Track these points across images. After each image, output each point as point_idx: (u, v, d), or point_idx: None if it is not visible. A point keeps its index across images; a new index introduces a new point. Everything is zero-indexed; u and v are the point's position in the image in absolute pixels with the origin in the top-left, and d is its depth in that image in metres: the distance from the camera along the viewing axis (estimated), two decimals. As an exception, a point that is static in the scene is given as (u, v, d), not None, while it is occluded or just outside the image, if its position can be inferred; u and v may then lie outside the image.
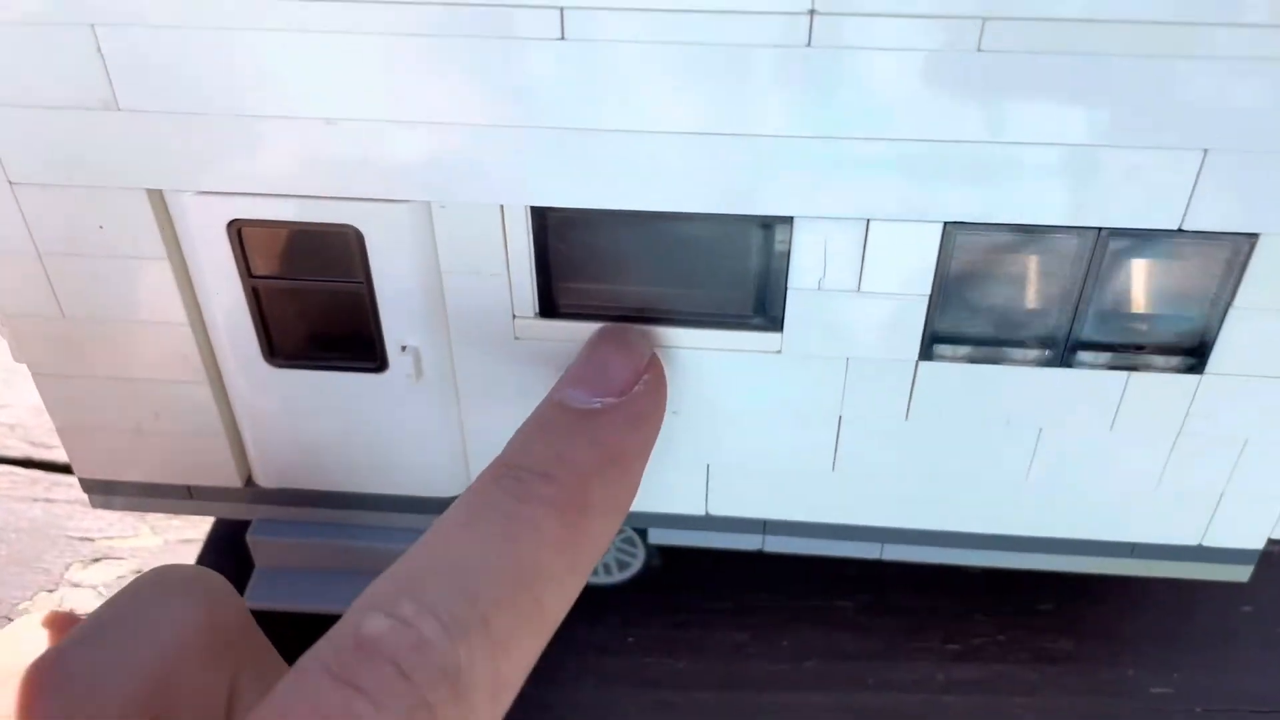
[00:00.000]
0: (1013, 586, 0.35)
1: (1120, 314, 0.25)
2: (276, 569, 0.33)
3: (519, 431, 0.23)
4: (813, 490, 0.29)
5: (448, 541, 0.20)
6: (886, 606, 0.34)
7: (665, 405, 0.25)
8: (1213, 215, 0.23)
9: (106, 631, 0.20)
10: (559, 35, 0.21)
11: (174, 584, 0.21)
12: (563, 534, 0.20)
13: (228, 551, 0.36)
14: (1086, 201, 0.23)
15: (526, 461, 0.22)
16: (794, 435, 0.28)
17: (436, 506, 0.31)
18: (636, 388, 0.24)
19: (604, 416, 0.23)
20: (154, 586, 0.21)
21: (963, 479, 0.28)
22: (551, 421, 0.23)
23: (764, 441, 0.28)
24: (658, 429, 0.25)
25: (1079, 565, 0.30)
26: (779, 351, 0.26)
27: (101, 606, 0.21)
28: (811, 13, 0.21)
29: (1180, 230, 0.23)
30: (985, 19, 0.21)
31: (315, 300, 0.27)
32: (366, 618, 0.18)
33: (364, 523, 0.32)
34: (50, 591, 0.35)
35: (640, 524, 0.31)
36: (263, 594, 0.32)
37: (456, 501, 0.21)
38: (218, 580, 0.22)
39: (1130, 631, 0.34)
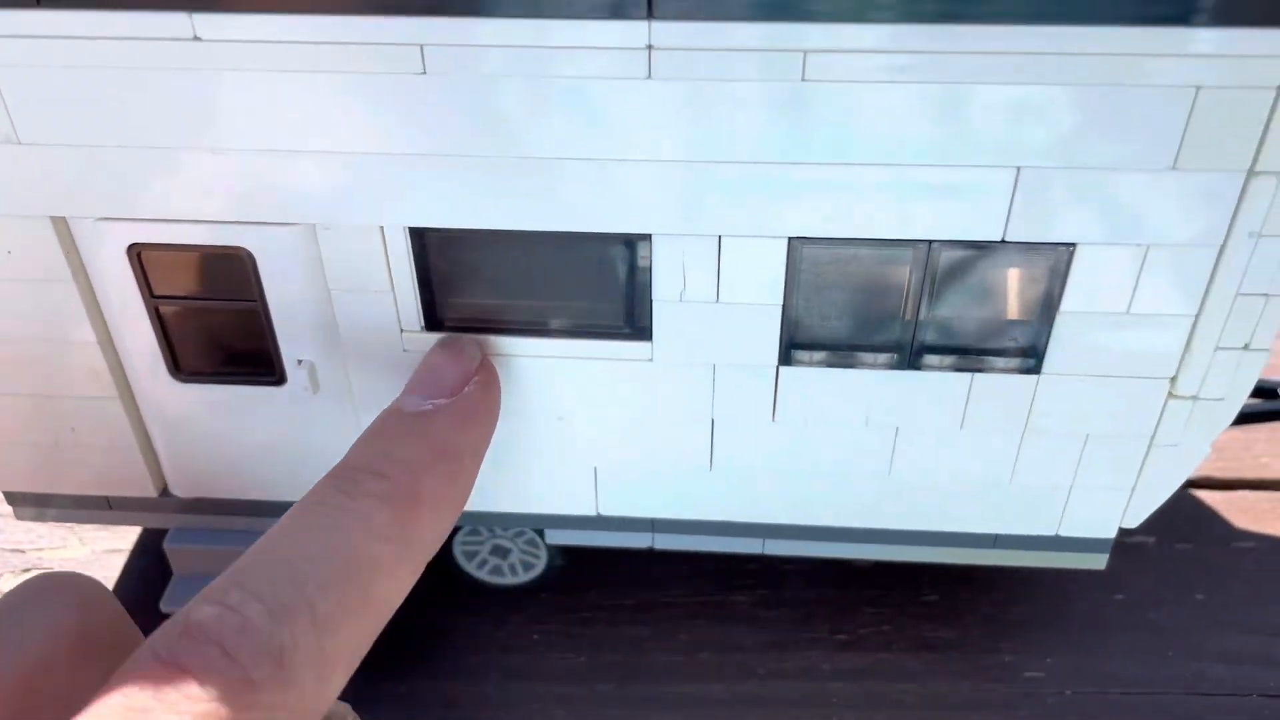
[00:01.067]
0: (900, 578, 0.37)
1: (959, 319, 0.27)
2: (193, 575, 0.34)
3: (356, 440, 0.25)
4: (694, 489, 0.31)
5: (280, 537, 0.21)
6: (780, 600, 0.36)
7: (498, 405, 0.27)
8: (1031, 227, 0.25)
9: None
10: (421, 70, 0.23)
11: (43, 591, 0.22)
12: (391, 526, 0.22)
13: (153, 559, 0.37)
14: (916, 216, 0.25)
15: (360, 462, 0.24)
16: (672, 437, 0.30)
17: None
18: (466, 389, 0.26)
19: (435, 416, 0.25)
20: (24, 594, 0.22)
21: (831, 476, 0.30)
22: (386, 425, 0.25)
23: (645, 444, 0.30)
24: (489, 427, 0.27)
25: (948, 556, 0.32)
26: (650, 360, 0.28)
27: None
28: (649, 48, 0.23)
29: (1004, 241, 0.25)
30: (806, 51, 0.23)
31: (215, 318, 0.28)
32: (197, 607, 0.19)
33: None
34: (-20, 602, 0.36)
35: (536, 525, 0.33)
36: (179, 600, 0.34)
37: (295, 504, 0.23)
38: (90, 583, 0.23)
39: (1009, 619, 0.36)
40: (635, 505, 0.32)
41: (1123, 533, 0.38)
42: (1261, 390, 0.39)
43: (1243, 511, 0.39)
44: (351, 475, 0.23)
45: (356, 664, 0.21)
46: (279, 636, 0.19)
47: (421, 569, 0.23)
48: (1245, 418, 0.38)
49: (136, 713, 0.17)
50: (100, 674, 0.22)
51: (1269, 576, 0.37)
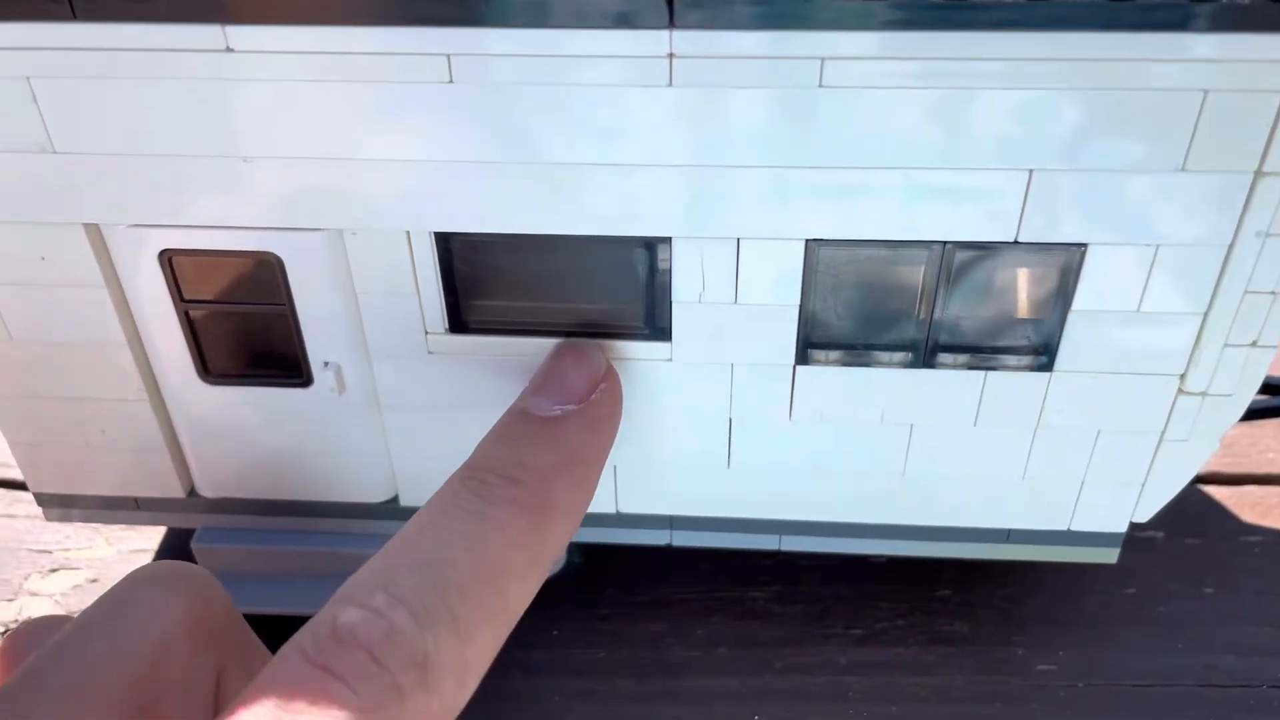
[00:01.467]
0: (915, 574, 0.37)
1: (973, 319, 0.28)
2: (221, 574, 0.35)
3: (484, 439, 0.25)
4: (712, 487, 0.32)
5: (419, 539, 0.22)
6: (796, 596, 0.37)
7: (621, 412, 0.27)
8: (1044, 228, 0.25)
9: (94, 628, 0.22)
10: (448, 79, 0.24)
11: (159, 579, 0.23)
12: (526, 532, 0.22)
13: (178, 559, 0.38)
14: (930, 218, 0.26)
15: (492, 465, 0.24)
16: (690, 436, 0.30)
17: (367, 511, 0.33)
18: (594, 395, 0.26)
19: (564, 423, 0.25)
20: (139, 583, 0.23)
21: (847, 473, 0.31)
22: (515, 429, 0.25)
23: (664, 443, 0.31)
24: (614, 434, 0.27)
25: (962, 552, 0.33)
26: (670, 360, 0.29)
27: (91, 605, 0.23)
28: (670, 56, 0.23)
29: (1016, 242, 0.26)
30: (823, 59, 0.23)
31: (243, 321, 0.29)
32: (343, 609, 0.19)
33: (300, 528, 0.34)
34: (10, 600, 0.37)
35: (557, 523, 0.33)
36: (208, 597, 0.34)
37: (427, 503, 0.23)
38: (202, 574, 0.24)
39: (1022, 614, 0.36)
40: (654, 503, 0.32)
41: (1133, 527, 0.39)
42: (1269, 386, 0.39)
43: (1250, 506, 0.40)
44: (486, 479, 0.23)
45: (486, 670, 0.21)
46: (424, 643, 0.19)
47: (547, 574, 0.23)
48: (1253, 413, 0.39)
49: (289, 715, 0.18)
50: (215, 665, 0.23)
51: (1276, 569, 0.37)
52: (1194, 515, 0.39)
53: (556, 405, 0.26)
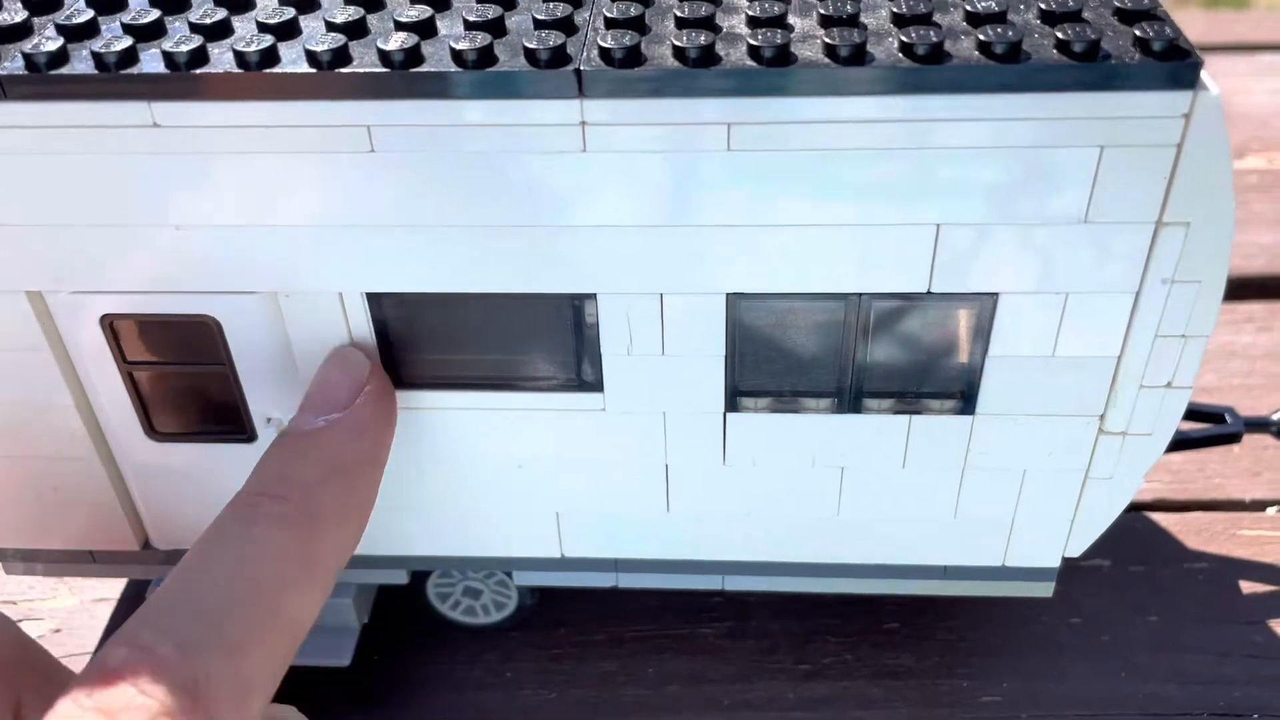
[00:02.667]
0: (862, 608, 0.38)
1: (894, 365, 0.28)
2: (177, 623, 0.36)
3: (256, 465, 0.26)
4: (653, 530, 0.32)
5: (187, 571, 0.23)
6: (746, 632, 0.37)
7: (393, 410, 0.28)
8: (955, 279, 0.26)
9: None
10: (369, 149, 0.25)
11: None
12: (293, 544, 0.23)
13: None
14: (845, 271, 0.26)
15: (259, 487, 0.25)
16: (629, 482, 0.31)
17: (317, 560, 0.34)
18: (358, 401, 0.27)
19: (327, 433, 0.26)
20: None
21: (783, 514, 0.32)
22: (281, 448, 0.26)
23: (604, 489, 0.31)
24: (387, 433, 0.28)
25: (901, 588, 0.33)
26: (603, 410, 0.29)
27: None
28: (583, 124, 0.24)
29: (930, 293, 0.26)
30: (730, 124, 0.24)
31: (186, 381, 0.30)
32: (112, 650, 0.21)
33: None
34: (-28, 653, 0.38)
35: (504, 567, 0.34)
36: (164, 647, 0.35)
37: (197, 538, 0.24)
38: None
39: (967, 645, 0.37)
40: (598, 546, 0.33)
41: (1078, 557, 0.39)
42: (1210, 415, 0.40)
43: (1195, 533, 0.40)
44: (250, 501, 0.24)
45: (277, 683, 0.22)
46: (192, 669, 0.20)
47: (333, 583, 0.24)
48: (1195, 443, 0.39)
49: None
50: (10, 696, 0.23)
51: (1219, 596, 0.38)
52: (1140, 543, 0.40)
53: (320, 417, 0.27)
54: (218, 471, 0.31)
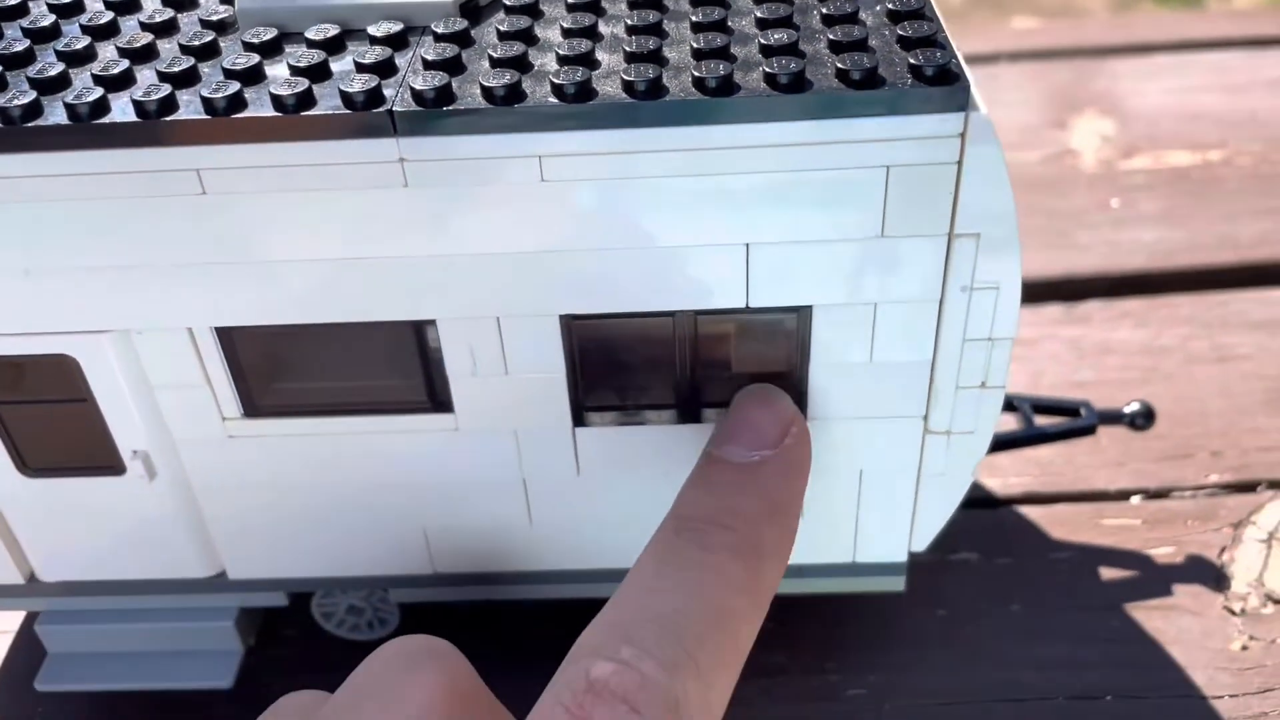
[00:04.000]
0: (739, 611, 0.39)
1: (727, 376, 0.30)
2: (67, 654, 0.36)
3: (685, 487, 0.26)
4: (519, 544, 0.34)
5: (647, 591, 0.23)
6: (628, 638, 0.39)
7: (811, 456, 0.28)
8: (770, 293, 0.28)
9: (361, 707, 0.23)
10: (201, 191, 0.26)
11: (412, 655, 0.24)
12: (745, 577, 0.24)
13: (36, 640, 0.39)
14: (669, 290, 0.28)
15: (702, 514, 0.25)
16: (490, 498, 0.32)
17: (198, 586, 0.35)
18: (787, 440, 0.27)
19: (764, 468, 0.27)
20: (391, 660, 0.24)
21: (642, 522, 0.32)
22: (716, 477, 0.27)
23: (466, 506, 0.32)
24: (808, 477, 0.28)
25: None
26: (455, 429, 0.31)
27: (345, 685, 0.24)
28: (401, 160, 0.25)
29: (749, 308, 0.28)
30: (540, 156, 0.25)
31: (54, 416, 0.31)
32: (592, 663, 0.21)
33: (140, 605, 0.35)
34: None
35: (379, 585, 0.35)
36: (54, 678, 0.36)
37: (644, 555, 0.25)
38: (446, 646, 0.25)
39: (837, 641, 0.38)
40: (468, 562, 0.34)
41: (947, 550, 0.41)
42: (1067, 410, 0.42)
43: (1061, 524, 0.42)
44: (700, 528, 0.25)
45: (723, 714, 0.23)
46: (674, 690, 0.21)
47: (764, 616, 0.25)
48: (1051, 437, 0.41)
49: None
50: None
51: (1080, 584, 0.40)
52: (1007, 537, 0.42)
53: (753, 452, 0.27)
54: (93, 504, 0.32)
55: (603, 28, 0.28)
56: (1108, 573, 0.40)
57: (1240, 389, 0.48)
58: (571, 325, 0.29)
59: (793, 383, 0.30)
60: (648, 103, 0.25)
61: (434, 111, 0.25)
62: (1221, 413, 0.47)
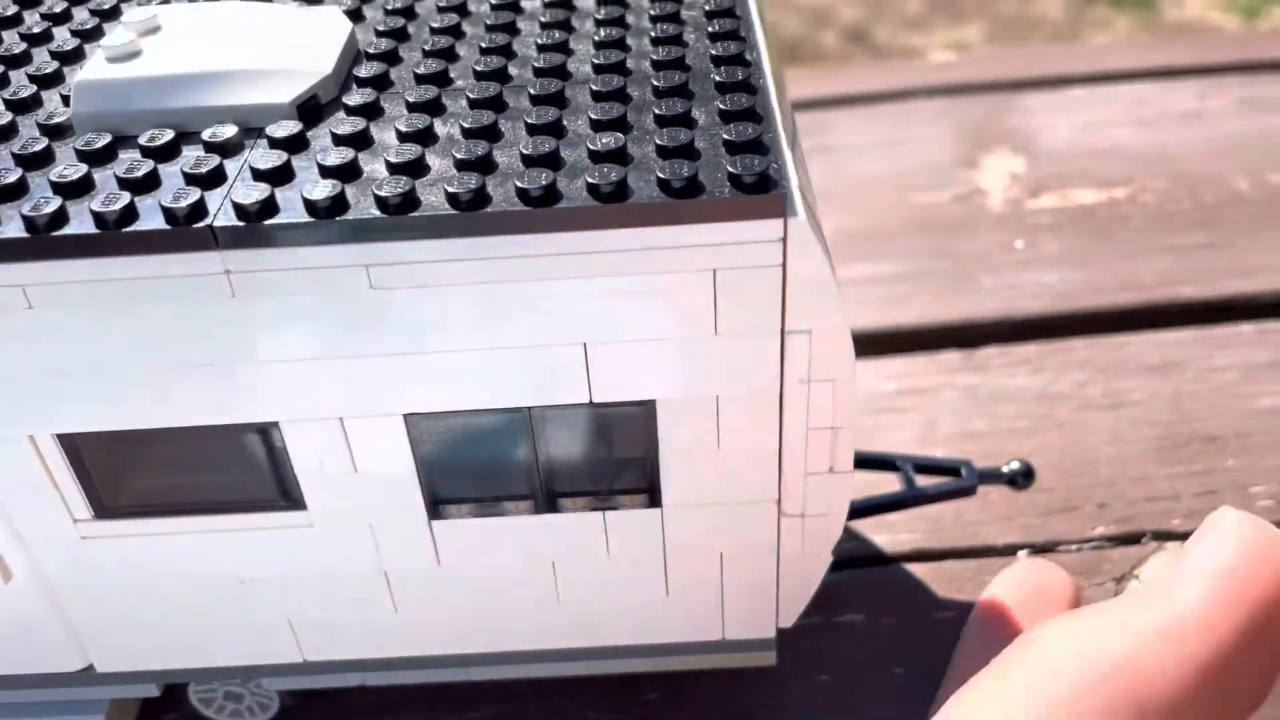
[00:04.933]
0: (622, 682, 0.39)
1: (581, 468, 0.30)
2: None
3: None
4: (387, 630, 0.33)
5: None
6: (520, 713, 0.39)
7: None
8: (612, 389, 0.28)
9: None
10: (27, 305, 0.26)
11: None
12: None
13: None
14: (512, 388, 0.28)
15: None
16: (352, 589, 0.32)
17: (67, 680, 0.34)
18: None
19: None
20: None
21: (508, 606, 0.33)
22: None
23: (330, 597, 0.32)
24: None
25: (634, 666, 0.35)
26: (310, 525, 0.31)
27: None
28: (227, 272, 0.25)
29: (593, 403, 0.28)
30: (367, 266, 0.26)
31: (-96, 522, 0.30)
32: None
33: (11, 699, 0.35)
34: None
35: (253, 675, 0.35)
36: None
37: None
38: None
39: (723, 709, 0.38)
40: (338, 649, 0.34)
41: (831, 612, 0.41)
42: (948, 469, 0.42)
43: (947, 581, 0.43)
44: None
45: None
46: None
47: None
48: (932, 498, 0.42)
49: None
50: None
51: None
52: (893, 596, 0.42)
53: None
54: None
55: (440, 128, 0.28)
56: (991, 631, 0.41)
57: (1130, 436, 0.49)
58: (418, 423, 0.29)
59: (646, 470, 0.30)
60: (469, 214, 0.25)
61: (256, 226, 0.25)
62: (1110, 461, 0.47)
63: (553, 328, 0.27)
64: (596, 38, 0.31)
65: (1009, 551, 0.44)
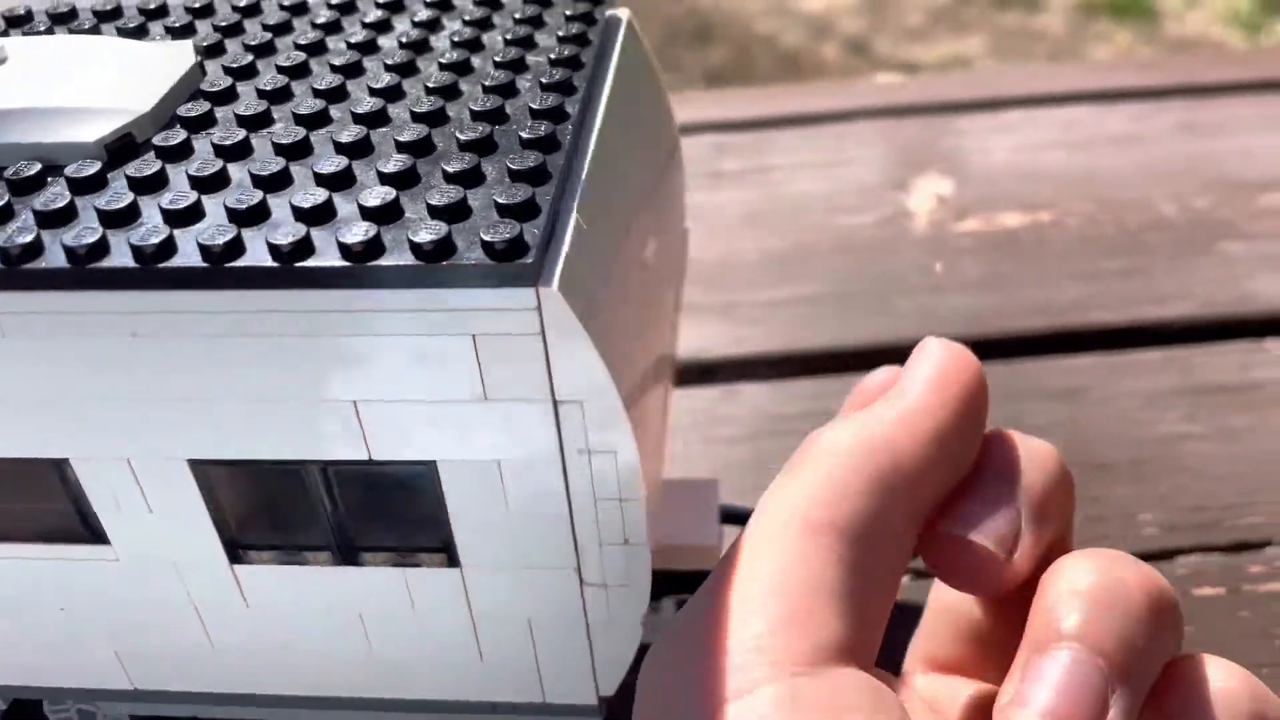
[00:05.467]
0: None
1: (376, 524, 0.29)
2: None
3: None
4: (208, 664, 0.33)
5: None
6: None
7: None
8: (389, 449, 0.27)
9: None
10: None
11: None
12: None
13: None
14: (289, 441, 0.27)
15: None
16: (167, 621, 0.32)
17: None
18: None
19: None
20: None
21: (322, 652, 0.33)
22: None
23: (147, 627, 0.32)
24: None
25: (463, 721, 0.34)
26: (116, 560, 0.31)
27: None
28: (-5, 313, 0.26)
29: (372, 461, 0.28)
30: (131, 313, 0.25)
31: None
32: None
33: None
34: None
35: (88, 699, 0.35)
36: None
37: None
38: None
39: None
40: (165, 679, 0.34)
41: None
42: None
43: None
44: None
45: None
46: None
47: None
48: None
49: None
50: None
51: None
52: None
53: None
54: None
55: (235, 172, 0.27)
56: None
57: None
58: (205, 469, 0.28)
59: (441, 531, 0.29)
60: (219, 267, 0.24)
61: (15, 270, 0.25)
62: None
63: (322, 384, 0.26)
64: (429, 83, 0.30)
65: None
